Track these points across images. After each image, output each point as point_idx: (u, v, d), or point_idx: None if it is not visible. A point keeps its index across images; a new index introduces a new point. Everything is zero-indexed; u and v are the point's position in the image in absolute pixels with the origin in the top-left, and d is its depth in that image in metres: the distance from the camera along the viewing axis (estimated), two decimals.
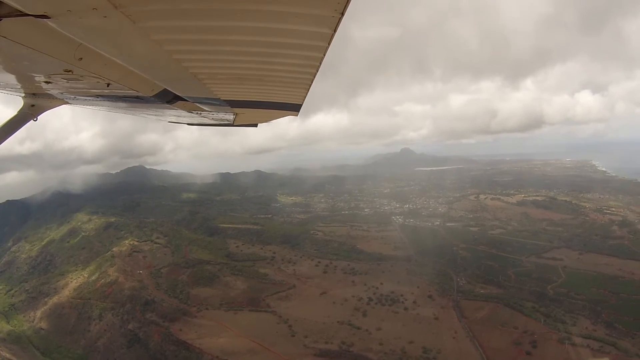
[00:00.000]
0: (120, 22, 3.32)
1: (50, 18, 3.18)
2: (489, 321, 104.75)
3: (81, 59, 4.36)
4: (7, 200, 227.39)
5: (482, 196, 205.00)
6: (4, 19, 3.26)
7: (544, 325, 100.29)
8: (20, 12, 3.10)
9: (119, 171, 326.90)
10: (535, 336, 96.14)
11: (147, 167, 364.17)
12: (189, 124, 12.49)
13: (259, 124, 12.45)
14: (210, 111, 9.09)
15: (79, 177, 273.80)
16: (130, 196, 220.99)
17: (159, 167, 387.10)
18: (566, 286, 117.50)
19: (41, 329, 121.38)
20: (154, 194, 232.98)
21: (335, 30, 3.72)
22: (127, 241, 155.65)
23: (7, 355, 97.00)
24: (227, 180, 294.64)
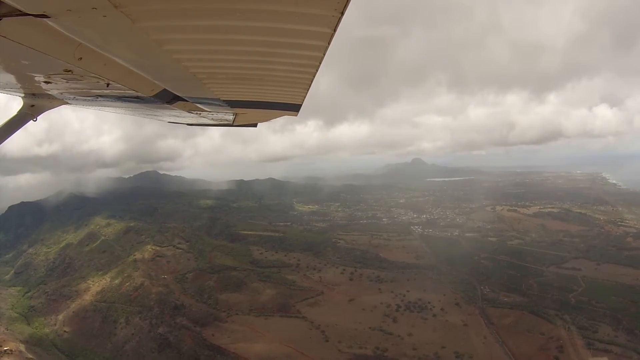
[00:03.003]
0: (120, 22, 3.38)
1: (49, 17, 3.24)
2: (515, 328, 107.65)
3: (81, 58, 4.42)
4: (22, 202, 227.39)
5: (498, 207, 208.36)
6: (4, 19, 3.30)
7: (568, 331, 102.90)
8: (20, 11, 3.15)
9: (132, 176, 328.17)
10: (561, 342, 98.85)
11: (161, 172, 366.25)
12: (188, 124, 12.52)
13: (258, 124, 12.55)
14: (210, 111, 9.14)
15: (93, 181, 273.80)
16: (147, 201, 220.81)
17: (172, 173, 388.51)
18: (586, 295, 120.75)
19: (65, 331, 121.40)
20: (170, 199, 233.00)
21: (335, 30, 3.78)
22: (148, 246, 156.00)
23: (33, 357, 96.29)
24: (242, 188, 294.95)
